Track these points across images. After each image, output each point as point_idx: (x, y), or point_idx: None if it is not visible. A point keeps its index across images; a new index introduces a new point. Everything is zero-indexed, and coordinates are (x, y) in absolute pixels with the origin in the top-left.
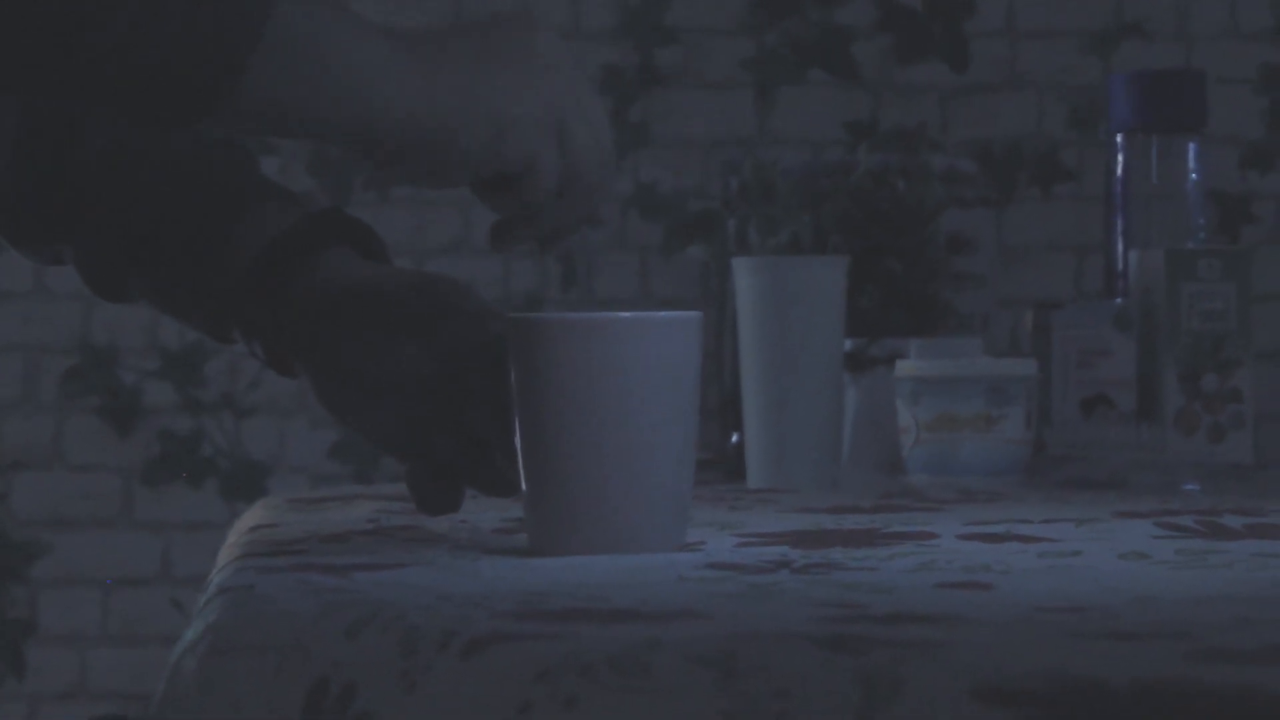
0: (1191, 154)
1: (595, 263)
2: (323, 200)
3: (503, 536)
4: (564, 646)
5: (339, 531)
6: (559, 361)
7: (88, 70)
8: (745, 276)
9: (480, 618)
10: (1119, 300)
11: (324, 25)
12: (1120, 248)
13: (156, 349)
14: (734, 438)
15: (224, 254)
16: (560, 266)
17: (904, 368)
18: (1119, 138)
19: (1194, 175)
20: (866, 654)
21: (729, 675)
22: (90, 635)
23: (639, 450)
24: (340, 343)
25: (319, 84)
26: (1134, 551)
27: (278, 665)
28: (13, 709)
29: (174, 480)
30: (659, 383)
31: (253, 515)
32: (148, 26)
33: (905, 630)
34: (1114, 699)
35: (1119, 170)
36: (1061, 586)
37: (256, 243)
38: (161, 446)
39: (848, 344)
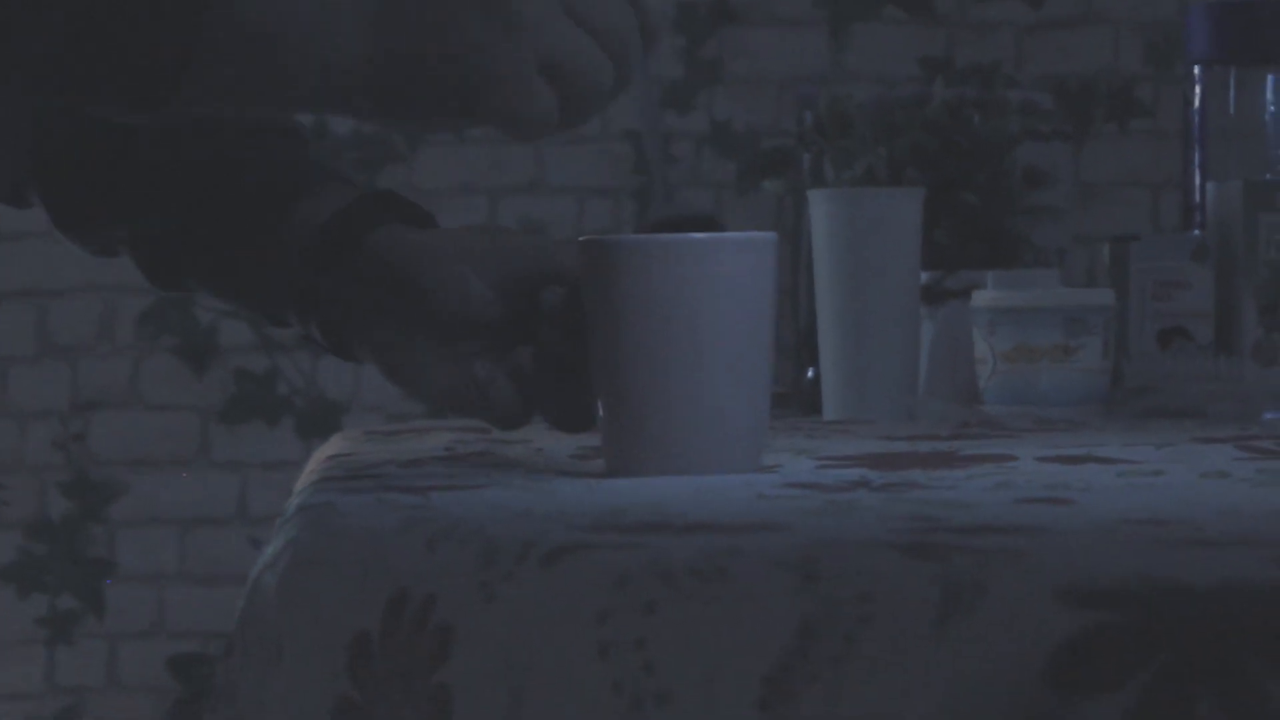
0: (1270, 86)
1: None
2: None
3: (579, 462)
4: (642, 555)
5: (416, 458)
6: (633, 282)
7: (38, 65)
8: (821, 208)
9: (558, 530)
10: (1196, 233)
11: None
12: (1198, 181)
13: None
14: (810, 372)
15: (281, 235)
16: (635, 203)
17: (981, 298)
18: (1196, 70)
19: (1272, 107)
20: (948, 560)
21: (809, 579)
22: (168, 574)
23: (713, 371)
24: (403, 299)
25: (270, 55)
26: (1215, 471)
27: (358, 578)
28: (93, 647)
29: (251, 419)
30: (733, 303)
31: (330, 446)
32: (88, 22)
33: (986, 539)
34: (1199, 600)
35: (1196, 103)
36: (1143, 501)
37: (314, 223)
38: (238, 386)
39: (923, 276)
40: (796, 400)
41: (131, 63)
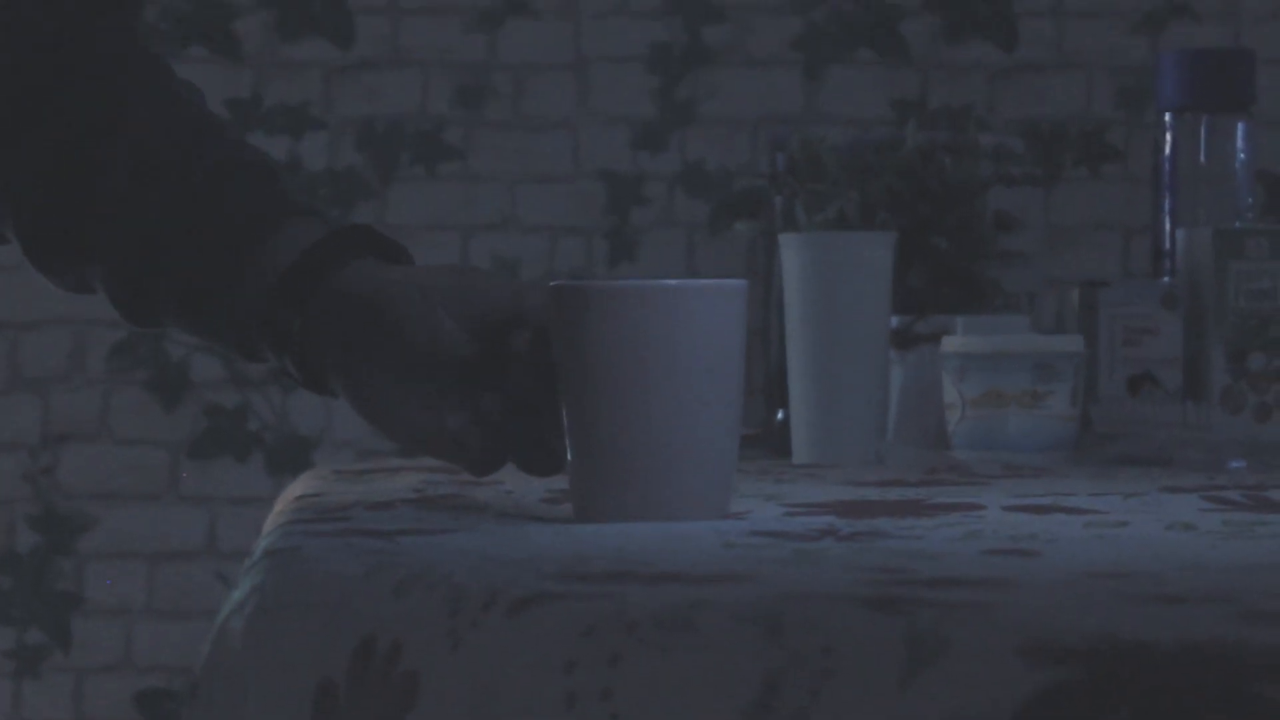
0: (1240, 134)
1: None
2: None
3: (548, 505)
4: (609, 605)
5: (385, 500)
6: (602, 328)
7: None
8: (792, 252)
9: (526, 578)
10: (1166, 279)
11: None
12: (1168, 227)
13: None
14: (780, 415)
15: (254, 270)
16: (608, 243)
17: (950, 344)
18: (1167, 117)
19: (1242, 155)
20: (912, 613)
21: (774, 633)
22: (136, 609)
23: (682, 416)
24: (375, 333)
25: None
26: (1181, 522)
27: (324, 624)
28: (59, 681)
29: (221, 454)
30: (702, 350)
31: (299, 485)
32: None
33: (951, 593)
34: (1162, 659)
35: (1167, 149)
36: (1108, 554)
37: (287, 258)
38: (208, 421)
39: (894, 320)
40: (767, 442)
41: None
